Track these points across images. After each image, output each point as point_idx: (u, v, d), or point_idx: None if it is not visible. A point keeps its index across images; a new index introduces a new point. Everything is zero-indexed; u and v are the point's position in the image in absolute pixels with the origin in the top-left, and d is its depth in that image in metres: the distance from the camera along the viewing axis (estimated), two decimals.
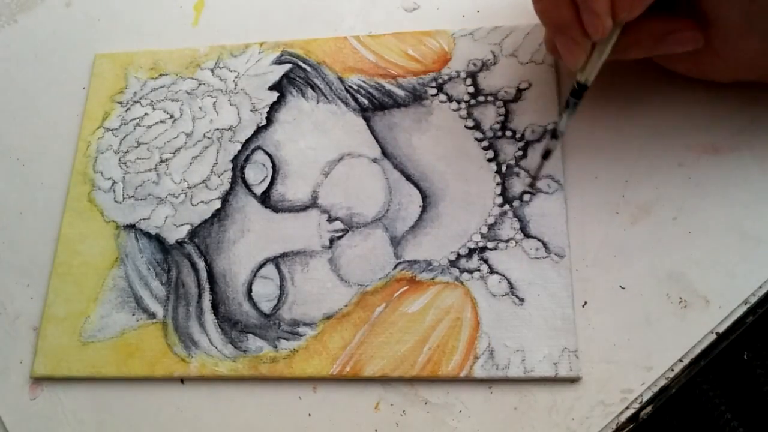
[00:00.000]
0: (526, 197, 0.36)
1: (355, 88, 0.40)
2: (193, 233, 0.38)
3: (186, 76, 0.43)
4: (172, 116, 0.42)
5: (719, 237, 0.34)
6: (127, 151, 0.41)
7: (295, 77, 0.41)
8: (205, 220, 0.39)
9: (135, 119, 0.42)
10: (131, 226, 0.39)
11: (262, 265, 0.37)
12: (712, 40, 0.31)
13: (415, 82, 0.40)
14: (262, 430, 0.34)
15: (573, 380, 0.33)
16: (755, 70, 0.33)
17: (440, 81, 0.39)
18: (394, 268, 0.36)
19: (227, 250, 0.38)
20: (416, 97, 0.39)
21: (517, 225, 0.35)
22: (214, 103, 0.41)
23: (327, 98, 0.40)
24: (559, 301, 0.34)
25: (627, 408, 0.32)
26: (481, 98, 0.39)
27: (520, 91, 0.38)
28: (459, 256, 0.35)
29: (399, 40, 0.41)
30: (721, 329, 0.32)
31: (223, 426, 0.35)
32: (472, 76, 0.39)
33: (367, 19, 0.43)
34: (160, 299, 0.37)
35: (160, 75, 0.43)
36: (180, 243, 0.38)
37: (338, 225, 0.37)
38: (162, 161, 0.41)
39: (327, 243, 0.37)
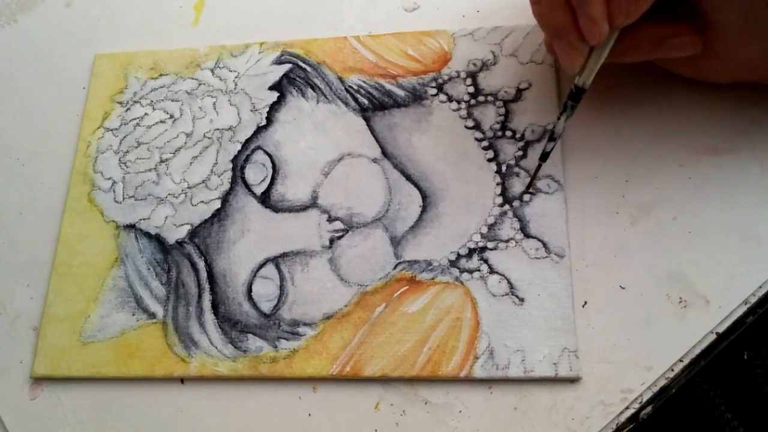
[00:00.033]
0: (526, 197, 0.36)
1: (355, 88, 0.40)
2: (193, 233, 0.38)
3: (186, 76, 0.43)
4: (172, 116, 0.42)
5: (719, 237, 0.34)
6: (127, 151, 0.41)
7: (295, 77, 0.41)
8: (205, 220, 0.39)
9: (135, 119, 0.42)
10: (131, 226, 0.39)
11: (262, 265, 0.37)
12: (712, 43, 0.31)
13: (415, 82, 0.40)
14: (262, 430, 0.34)
15: (573, 380, 0.33)
16: (755, 71, 0.33)
17: (440, 81, 0.39)
18: (394, 268, 0.36)
19: (227, 250, 0.38)
20: (416, 97, 0.39)
21: (517, 225, 0.35)
22: (214, 103, 0.41)
23: (327, 98, 0.40)
24: (559, 301, 0.34)
25: (627, 408, 0.32)
26: (481, 98, 0.39)
27: (520, 91, 0.38)
28: (459, 256, 0.35)
29: (399, 40, 0.41)
30: (721, 329, 0.32)
31: (223, 426, 0.35)
32: (472, 76, 0.39)
33: (367, 19, 0.43)
34: (160, 299, 0.37)
35: (160, 75, 0.43)
36: (180, 243, 0.38)
37: (338, 225, 0.37)
38: (162, 161, 0.41)
39: (327, 243, 0.37)
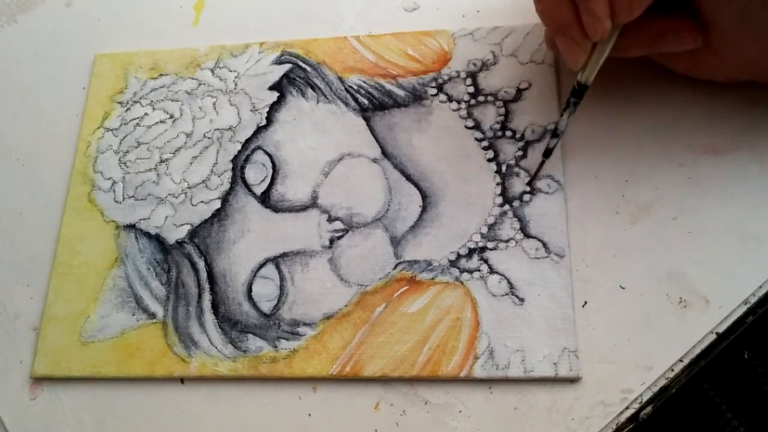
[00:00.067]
0: (526, 197, 0.36)
1: (355, 88, 0.40)
2: (193, 233, 0.38)
3: (186, 76, 0.43)
4: (172, 116, 0.42)
5: (719, 237, 0.34)
6: (127, 151, 0.41)
7: (295, 77, 0.41)
8: (205, 220, 0.39)
9: (135, 119, 0.42)
10: (131, 226, 0.39)
11: (262, 265, 0.37)
12: (711, 41, 0.32)
13: (415, 82, 0.40)
14: (262, 430, 0.34)
15: (573, 380, 0.33)
16: (754, 69, 0.33)
17: (440, 81, 0.39)
18: (394, 268, 0.36)
19: (227, 250, 0.38)
20: (416, 97, 0.39)
21: (517, 225, 0.35)
22: (214, 103, 0.41)
23: (327, 98, 0.40)
24: (559, 301, 0.34)
25: (627, 408, 0.32)
26: (481, 98, 0.39)
27: (520, 91, 0.38)
28: (459, 256, 0.35)
29: (399, 40, 0.41)
30: (721, 329, 0.32)
31: (223, 426, 0.35)
32: (472, 76, 0.39)
33: (367, 19, 0.43)
34: (160, 299, 0.37)
35: (160, 75, 0.43)
36: (180, 243, 0.38)
37: (338, 225, 0.37)
38: (162, 161, 0.41)
39: (327, 243, 0.37)
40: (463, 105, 0.39)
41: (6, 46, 0.47)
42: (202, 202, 0.39)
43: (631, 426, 0.32)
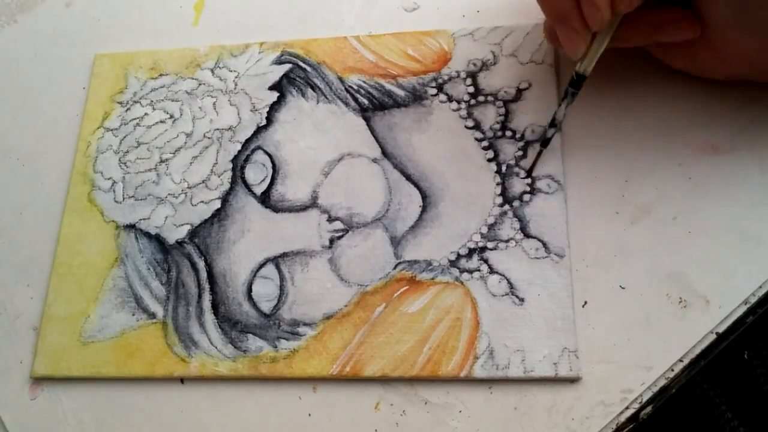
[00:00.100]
0: (526, 197, 0.36)
1: (355, 88, 0.40)
2: (193, 233, 0.38)
3: (186, 76, 0.43)
4: (172, 116, 0.42)
5: (719, 237, 0.34)
6: (127, 151, 0.41)
7: (295, 77, 0.41)
8: (205, 220, 0.39)
9: (135, 119, 0.42)
10: (131, 226, 0.39)
11: (262, 265, 0.37)
12: (708, 37, 0.32)
13: (415, 82, 0.40)
14: (262, 430, 0.34)
15: (573, 380, 0.33)
16: (752, 66, 0.33)
17: (440, 81, 0.39)
18: (394, 268, 0.36)
19: (227, 250, 0.38)
20: (416, 97, 0.39)
21: (517, 225, 0.35)
22: (214, 103, 0.41)
23: (327, 98, 0.40)
24: (559, 301, 0.34)
25: (627, 408, 0.32)
26: (481, 98, 0.39)
27: (520, 91, 0.38)
28: (459, 256, 0.35)
29: (399, 40, 0.41)
30: (721, 329, 0.32)
31: (223, 426, 0.35)
32: (472, 76, 0.39)
33: (367, 19, 0.43)
34: (160, 299, 0.37)
35: (160, 75, 0.43)
36: (180, 243, 0.38)
37: (338, 225, 0.37)
38: (162, 161, 0.41)
39: (327, 243, 0.37)
40: (463, 105, 0.39)
41: (6, 46, 0.47)
42: (202, 202, 0.39)
43: (631, 426, 0.32)
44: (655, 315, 0.33)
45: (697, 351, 0.32)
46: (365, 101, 0.40)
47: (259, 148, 0.40)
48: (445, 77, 0.39)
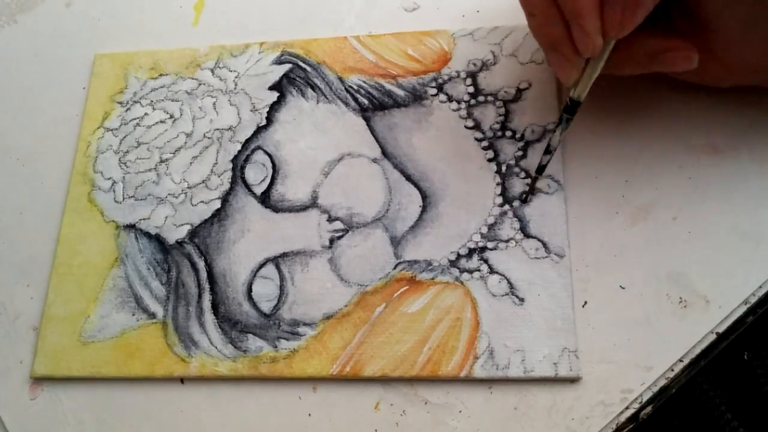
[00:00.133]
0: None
1: (355, 88, 0.40)
2: (193, 233, 0.38)
3: (186, 76, 0.43)
4: (172, 116, 0.42)
5: (719, 237, 0.34)
6: (127, 151, 0.41)
7: (295, 77, 0.41)
8: (205, 220, 0.39)
9: (135, 119, 0.42)
10: (131, 226, 0.39)
11: (262, 265, 0.37)
12: (713, 47, 0.31)
13: (415, 82, 0.40)
14: (262, 430, 0.34)
15: (573, 380, 0.33)
16: (757, 75, 0.33)
17: (440, 81, 0.39)
18: (394, 268, 0.36)
19: (227, 250, 0.38)
20: (416, 97, 0.39)
21: (517, 225, 0.35)
22: (214, 103, 0.42)
23: (327, 98, 0.40)
24: (559, 301, 0.34)
25: (627, 408, 0.32)
26: (481, 98, 0.39)
27: (520, 91, 0.38)
28: (459, 256, 0.35)
29: (399, 40, 0.41)
30: (721, 329, 0.32)
31: (223, 426, 0.35)
32: (472, 76, 0.39)
33: (367, 19, 0.43)
34: (160, 299, 0.37)
35: (160, 75, 0.43)
36: (180, 243, 0.38)
37: (338, 225, 0.37)
38: (162, 161, 0.41)
39: (327, 243, 0.37)
40: (463, 105, 0.39)
41: (6, 46, 0.47)
42: (202, 202, 0.39)
43: (631, 426, 0.32)
44: (655, 315, 0.33)
45: (697, 351, 0.32)
46: (365, 101, 0.40)
47: (259, 148, 0.40)
48: (445, 77, 0.39)
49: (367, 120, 0.39)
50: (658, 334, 0.33)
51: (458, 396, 0.33)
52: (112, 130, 0.42)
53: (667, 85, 0.36)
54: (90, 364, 0.36)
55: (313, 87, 0.41)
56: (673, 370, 0.32)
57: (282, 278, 0.36)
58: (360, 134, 0.39)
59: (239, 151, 0.40)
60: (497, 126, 0.38)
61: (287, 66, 0.42)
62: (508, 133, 0.37)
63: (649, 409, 0.32)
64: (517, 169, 0.36)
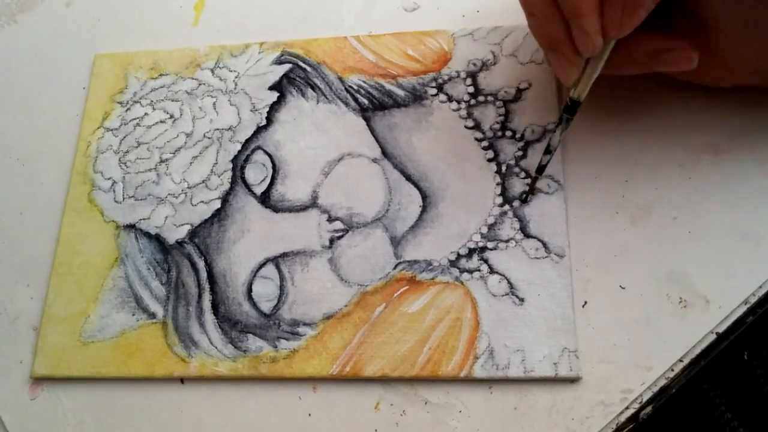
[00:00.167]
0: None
1: (355, 88, 0.40)
2: (193, 233, 0.38)
3: (186, 76, 0.43)
4: (172, 116, 0.42)
5: (719, 237, 0.34)
6: (127, 151, 0.41)
7: (295, 77, 0.41)
8: (205, 220, 0.39)
9: (135, 119, 0.42)
10: (131, 226, 0.39)
11: (262, 265, 0.37)
12: (714, 47, 0.31)
13: (415, 82, 0.40)
14: (262, 430, 0.34)
15: (573, 380, 0.33)
16: (757, 75, 0.33)
17: (440, 81, 0.39)
18: (394, 268, 0.36)
19: (227, 250, 0.38)
20: (416, 97, 0.39)
21: (517, 225, 0.35)
22: (214, 103, 0.42)
23: (327, 98, 0.40)
24: (559, 301, 0.34)
25: (627, 408, 0.32)
26: (481, 98, 0.39)
27: (520, 91, 0.38)
28: (459, 256, 0.35)
29: (399, 40, 0.41)
30: (721, 329, 0.32)
31: (223, 426, 0.35)
32: (472, 76, 0.39)
33: (367, 19, 0.43)
34: (160, 299, 0.37)
35: (160, 75, 0.43)
36: (180, 243, 0.38)
37: (338, 225, 0.37)
38: (162, 161, 0.41)
39: (327, 243, 0.37)
40: (463, 105, 0.39)
41: (6, 46, 0.47)
42: (202, 202, 0.39)
43: (631, 426, 0.32)
44: (655, 315, 0.33)
45: (697, 351, 0.32)
46: (365, 101, 0.40)
47: (259, 148, 0.40)
48: (445, 77, 0.39)
49: (367, 120, 0.39)
50: (658, 334, 0.33)
51: (458, 396, 0.33)
52: (112, 130, 0.42)
53: (667, 85, 0.36)
54: (90, 364, 0.36)
55: (313, 87, 0.41)
56: (673, 370, 0.32)
57: (282, 278, 0.36)
58: (360, 134, 0.39)
59: (239, 151, 0.40)
60: (497, 126, 0.38)
61: (287, 66, 0.42)
62: (508, 133, 0.37)
63: (649, 409, 0.32)
64: (517, 169, 0.36)
